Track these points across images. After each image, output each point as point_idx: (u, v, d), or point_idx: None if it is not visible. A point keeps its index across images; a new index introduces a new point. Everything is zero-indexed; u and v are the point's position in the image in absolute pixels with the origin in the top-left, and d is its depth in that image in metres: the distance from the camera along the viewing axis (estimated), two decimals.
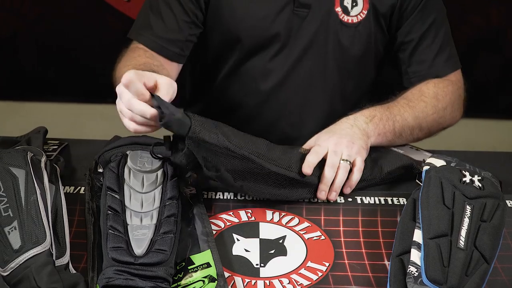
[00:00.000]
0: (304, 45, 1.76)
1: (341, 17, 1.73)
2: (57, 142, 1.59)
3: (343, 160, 1.49)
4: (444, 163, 1.41)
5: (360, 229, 1.39)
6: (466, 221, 1.25)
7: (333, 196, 1.47)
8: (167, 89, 1.30)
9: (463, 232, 1.23)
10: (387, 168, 1.54)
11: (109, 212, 1.26)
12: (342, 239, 1.36)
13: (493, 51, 3.17)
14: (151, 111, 1.27)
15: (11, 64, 3.24)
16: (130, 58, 1.65)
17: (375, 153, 1.58)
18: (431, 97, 1.72)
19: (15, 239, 1.14)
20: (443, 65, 1.81)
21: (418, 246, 1.22)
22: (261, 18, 1.74)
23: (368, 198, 1.49)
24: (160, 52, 1.72)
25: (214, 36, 1.81)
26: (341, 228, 1.39)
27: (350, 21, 1.74)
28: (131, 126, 1.31)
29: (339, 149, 1.50)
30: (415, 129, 1.68)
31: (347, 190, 1.49)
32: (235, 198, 1.46)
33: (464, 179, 1.34)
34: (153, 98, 1.27)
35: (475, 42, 3.12)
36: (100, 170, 1.40)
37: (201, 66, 1.94)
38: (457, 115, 1.81)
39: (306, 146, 1.55)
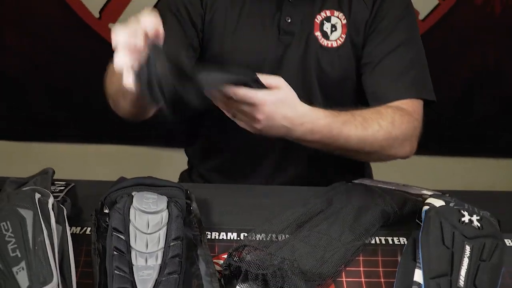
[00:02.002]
0: (290, 71, 1.80)
1: (320, 41, 1.78)
2: (64, 183, 1.60)
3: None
4: (443, 203, 1.42)
5: (361, 269, 1.40)
6: (465, 260, 1.26)
7: None
8: None
9: (463, 272, 1.24)
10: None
11: (115, 252, 1.27)
12: (344, 279, 1.36)
13: (492, 88, 3.17)
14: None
15: (19, 104, 3.25)
16: None
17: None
18: (388, 122, 1.65)
19: (23, 279, 1.15)
20: (402, 89, 1.76)
21: (418, 286, 1.23)
22: (248, 47, 1.78)
23: (369, 237, 1.48)
24: None
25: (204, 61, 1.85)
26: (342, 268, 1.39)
27: (329, 45, 1.78)
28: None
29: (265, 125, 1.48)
30: (352, 151, 1.63)
31: None
32: (238, 238, 1.47)
33: (463, 219, 1.34)
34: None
35: (473, 79, 3.13)
36: (106, 211, 1.41)
37: None
38: (407, 149, 1.72)
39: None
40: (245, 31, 1.81)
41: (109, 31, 3.01)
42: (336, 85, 1.83)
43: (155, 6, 1.86)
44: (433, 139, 3.03)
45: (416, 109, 1.75)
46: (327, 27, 1.79)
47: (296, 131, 1.54)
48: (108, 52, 2.93)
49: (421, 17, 2.92)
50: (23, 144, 3.33)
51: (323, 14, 1.79)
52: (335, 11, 1.80)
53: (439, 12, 2.99)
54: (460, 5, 3.00)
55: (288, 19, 1.79)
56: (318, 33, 1.79)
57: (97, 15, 3.06)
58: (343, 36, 1.79)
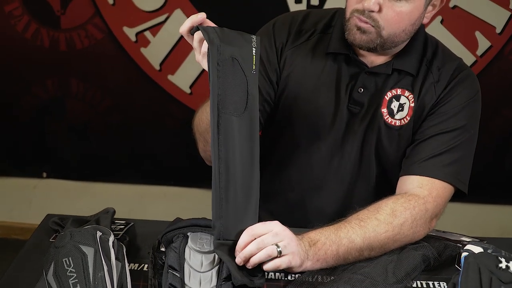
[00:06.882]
0: (352, 140, 1.79)
1: (385, 118, 1.76)
2: (124, 222, 1.64)
3: (276, 245, 1.40)
4: (482, 250, 1.42)
5: None
6: None
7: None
8: None
9: None
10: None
11: None
12: None
13: None
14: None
15: (83, 147, 3.35)
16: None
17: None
18: (387, 213, 1.59)
19: None
20: (429, 166, 1.69)
21: None
22: (322, 107, 1.78)
23: (410, 281, 1.48)
24: None
25: (274, 118, 1.85)
26: None
27: (393, 123, 1.76)
28: None
29: (279, 236, 1.41)
30: (364, 250, 1.54)
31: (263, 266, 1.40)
32: (286, 278, 1.47)
33: (500, 265, 1.35)
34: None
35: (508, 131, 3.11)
36: (163, 249, 1.44)
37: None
38: (419, 230, 1.62)
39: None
40: (322, 92, 1.79)
41: (167, 81, 3.11)
42: (392, 160, 1.80)
43: None
44: (476, 188, 2.99)
45: (434, 191, 1.67)
46: (394, 105, 1.76)
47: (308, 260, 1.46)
48: (165, 99, 3.00)
49: None
50: (86, 184, 3.41)
51: (393, 91, 1.77)
52: (406, 91, 1.76)
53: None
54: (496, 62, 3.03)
55: (361, 90, 1.77)
56: (384, 110, 1.77)
57: (157, 67, 3.15)
58: (408, 118, 1.76)
